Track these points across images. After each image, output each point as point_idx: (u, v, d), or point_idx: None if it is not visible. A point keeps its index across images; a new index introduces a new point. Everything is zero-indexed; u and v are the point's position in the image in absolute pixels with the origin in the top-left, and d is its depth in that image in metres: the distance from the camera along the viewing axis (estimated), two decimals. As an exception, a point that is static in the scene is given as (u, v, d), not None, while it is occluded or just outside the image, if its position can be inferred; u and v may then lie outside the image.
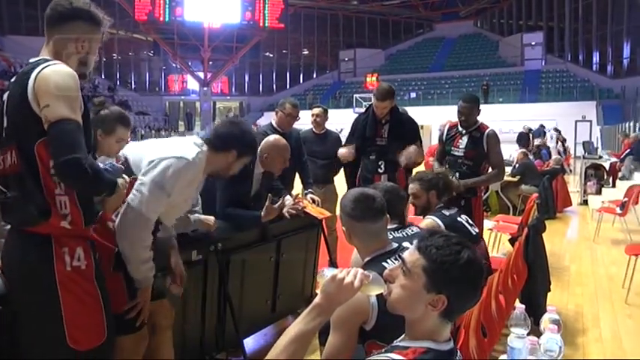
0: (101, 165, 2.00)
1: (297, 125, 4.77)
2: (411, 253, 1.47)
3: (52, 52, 1.96)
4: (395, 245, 2.19)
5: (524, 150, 9.94)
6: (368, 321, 1.76)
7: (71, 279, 1.85)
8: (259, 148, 3.66)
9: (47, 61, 1.88)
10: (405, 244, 2.32)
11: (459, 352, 1.50)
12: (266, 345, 3.85)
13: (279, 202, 3.58)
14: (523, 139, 15.73)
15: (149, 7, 32.87)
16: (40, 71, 1.82)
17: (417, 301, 1.43)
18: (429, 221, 3.25)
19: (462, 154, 4.41)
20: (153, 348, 2.46)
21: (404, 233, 2.56)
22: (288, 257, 3.89)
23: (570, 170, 15.39)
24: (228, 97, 41.64)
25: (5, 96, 1.92)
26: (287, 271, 3.93)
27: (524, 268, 3.87)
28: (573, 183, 12.31)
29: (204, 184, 3.46)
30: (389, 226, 2.46)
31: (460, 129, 4.47)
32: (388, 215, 2.24)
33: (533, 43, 35.54)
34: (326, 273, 1.47)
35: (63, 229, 1.85)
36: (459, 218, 3.38)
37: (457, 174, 4.27)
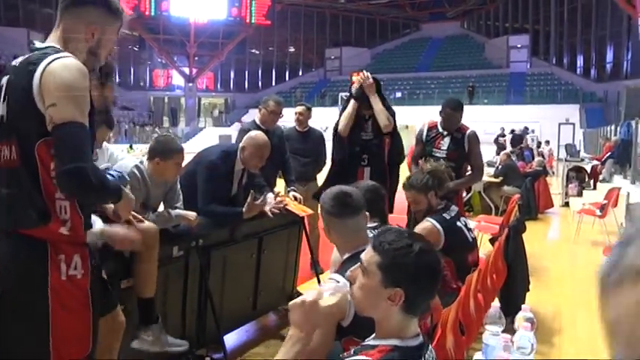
0: (103, 168, 1.91)
1: (283, 123, 4.78)
2: (366, 252, 1.50)
3: (61, 38, 1.81)
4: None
5: (507, 151, 10.04)
6: (345, 318, 1.78)
7: (65, 289, 1.72)
8: (240, 144, 3.67)
9: (56, 51, 1.74)
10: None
11: (430, 347, 1.52)
12: (247, 341, 3.85)
13: (260, 199, 3.59)
14: (516, 140, 15.78)
15: (135, 1, 32.64)
16: (48, 64, 1.67)
17: (377, 299, 1.45)
18: (427, 224, 3.17)
19: (445, 156, 4.41)
20: None
21: (384, 231, 2.57)
22: (270, 254, 3.91)
23: (553, 172, 15.57)
24: (214, 94, 41.46)
25: (4, 80, 1.78)
26: (268, 267, 3.93)
27: (503, 267, 3.91)
28: (555, 185, 12.45)
29: (186, 180, 3.47)
30: (370, 225, 2.48)
31: (441, 130, 4.50)
32: (368, 213, 2.25)
33: (519, 46, 35.91)
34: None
35: (61, 235, 1.72)
36: (458, 222, 3.31)
37: None
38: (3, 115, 1.74)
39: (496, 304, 1.77)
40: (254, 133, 3.77)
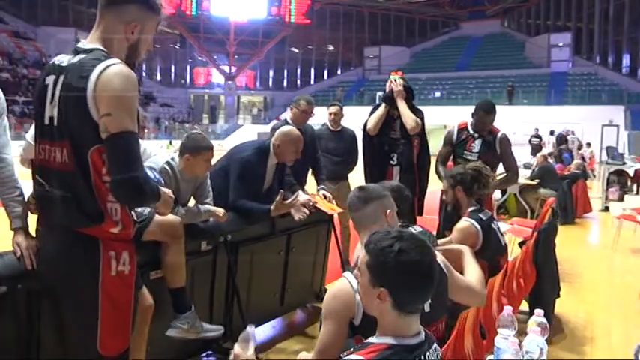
0: (148, 171, 1.96)
1: (313, 122, 4.85)
2: (362, 252, 1.54)
3: (101, 37, 1.86)
4: None
5: (544, 153, 9.84)
6: (355, 316, 1.82)
7: (114, 285, 1.82)
8: (272, 139, 3.73)
9: (104, 55, 1.78)
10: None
11: (435, 346, 1.53)
12: (274, 336, 3.92)
13: (291, 199, 3.63)
14: (562, 139, 15.40)
15: (177, 1, 33.32)
16: (101, 72, 1.72)
17: (370, 298, 1.49)
18: (466, 224, 3.14)
19: (476, 159, 4.36)
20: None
21: (407, 232, 2.59)
22: (298, 251, 3.96)
23: (594, 175, 15.17)
24: (253, 92, 41.91)
25: (50, 80, 1.82)
26: (296, 265, 3.99)
27: (532, 272, 3.86)
28: (596, 189, 12.14)
29: (218, 177, 3.55)
30: (394, 225, 2.51)
31: (472, 132, 4.47)
32: (396, 216, 2.29)
33: (560, 44, 35.02)
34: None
35: (112, 233, 1.82)
36: (492, 224, 3.27)
37: None
38: (52, 117, 1.80)
39: (508, 307, 1.77)
40: (286, 128, 3.85)
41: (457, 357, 2.21)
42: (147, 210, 2.69)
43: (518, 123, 25.35)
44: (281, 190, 3.64)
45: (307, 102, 4.57)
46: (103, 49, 1.82)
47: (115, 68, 1.73)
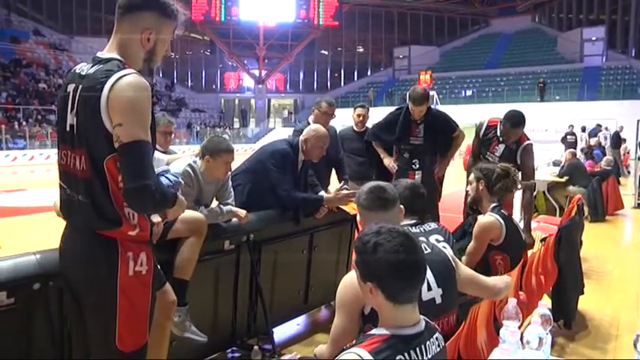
0: (162, 177, 2.01)
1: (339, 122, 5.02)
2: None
3: (119, 45, 1.92)
4: None
5: (572, 150, 9.69)
6: (365, 306, 1.90)
7: (131, 284, 1.88)
8: (301, 136, 3.85)
9: (119, 66, 1.85)
10: (422, 239, 2.43)
11: (436, 335, 1.60)
12: (298, 334, 4.02)
13: (345, 192, 3.86)
14: (616, 139, 15.03)
15: (206, 8, 33.84)
16: (114, 84, 1.78)
17: (365, 293, 1.58)
18: (490, 218, 3.19)
19: (496, 162, 4.41)
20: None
21: (421, 229, 2.63)
22: (321, 250, 4.05)
23: (628, 172, 14.84)
24: (283, 95, 42.20)
25: (70, 89, 1.89)
26: (320, 263, 4.08)
27: (553, 269, 3.85)
28: (630, 185, 11.89)
29: (247, 177, 3.69)
30: (407, 222, 2.56)
31: (498, 134, 4.52)
32: (403, 208, 2.35)
33: (593, 38, 34.21)
34: None
35: (130, 235, 1.89)
36: (513, 221, 3.33)
37: None
38: (72, 125, 1.87)
39: (512, 299, 1.82)
40: (314, 126, 3.99)
41: (469, 351, 2.27)
42: None
43: (550, 120, 25.01)
44: (343, 180, 3.79)
45: (328, 104, 4.68)
46: (120, 57, 1.89)
47: (128, 79, 1.80)
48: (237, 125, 38.12)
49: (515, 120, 4.40)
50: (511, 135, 4.43)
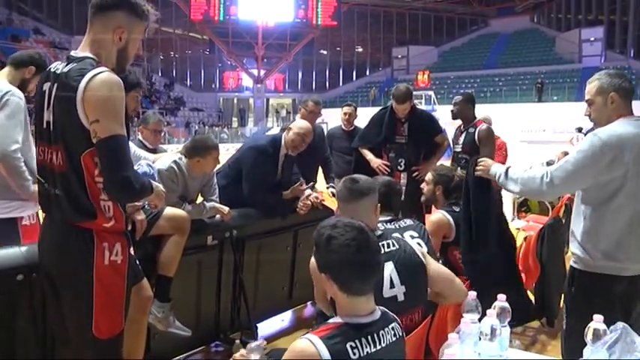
0: (138, 167, 2.13)
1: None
2: None
3: (92, 43, 1.99)
4: (379, 232, 2.34)
5: (563, 150, 9.74)
6: None
7: (107, 273, 1.95)
8: (287, 125, 3.96)
9: (92, 64, 1.91)
10: (395, 234, 2.48)
11: (393, 325, 1.66)
12: (283, 330, 4.08)
13: (304, 186, 3.90)
14: None
15: (204, 7, 33.81)
16: (89, 81, 1.84)
17: (322, 282, 1.65)
18: (438, 215, 3.33)
19: (461, 149, 4.71)
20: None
21: (396, 225, 2.70)
22: (306, 247, 4.08)
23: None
24: (282, 94, 42.20)
25: (46, 87, 1.96)
26: (304, 260, 4.05)
27: (535, 267, 3.87)
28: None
29: (230, 171, 3.75)
30: (383, 218, 2.62)
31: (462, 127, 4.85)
32: (379, 206, 2.39)
33: (592, 39, 34.19)
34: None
35: (105, 227, 1.96)
36: None
37: (458, 168, 4.46)
38: (49, 122, 1.95)
39: (472, 293, 1.88)
40: (300, 120, 4.09)
41: (440, 342, 2.31)
42: None
43: (548, 120, 25.06)
44: (301, 178, 3.90)
45: (315, 102, 4.75)
46: (93, 56, 1.97)
47: (101, 77, 1.87)
48: (235, 124, 38.12)
49: (461, 96, 4.91)
50: (460, 112, 4.82)
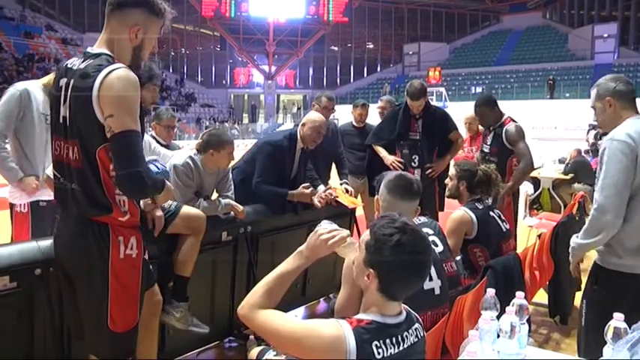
0: (151, 165, 2.12)
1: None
2: (366, 232, 1.65)
3: (108, 40, 2.00)
4: None
5: (577, 147, 9.66)
6: None
7: (122, 267, 1.98)
8: (301, 121, 3.94)
9: (109, 60, 1.93)
10: (425, 229, 2.51)
11: (416, 326, 1.65)
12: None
13: (311, 189, 3.81)
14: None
15: (216, 4, 33.95)
16: (105, 77, 1.87)
17: (360, 273, 1.61)
18: (460, 212, 3.29)
19: (488, 151, 4.53)
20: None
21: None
22: (319, 244, 4.09)
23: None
24: (293, 90, 42.23)
25: (62, 83, 1.98)
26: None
27: (549, 264, 3.87)
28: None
29: (249, 171, 3.75)
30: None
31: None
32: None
33: (605, 35, 33.92)
34: (322, 225, 1.73)
35: (120, 221, 1.99)
36: (491, 212, 3.40)
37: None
38: (65, 117, 1.97)
39: (491, 290, 1.87)
40: (314, 113, 4.07)
41: (455, 341, 2.31)
42: (174, 204, 2.88)
43: (560, 117, 24.87)
44: (307, 183, 3.84)
45: (328, 98, 4.76)
46: (109, 52, 1.99)
47: (117, 73, 1.89)
48: (246, 121, 38.21)
49: (479, 100, 4.79)
50: (482, 117, 4.72)
